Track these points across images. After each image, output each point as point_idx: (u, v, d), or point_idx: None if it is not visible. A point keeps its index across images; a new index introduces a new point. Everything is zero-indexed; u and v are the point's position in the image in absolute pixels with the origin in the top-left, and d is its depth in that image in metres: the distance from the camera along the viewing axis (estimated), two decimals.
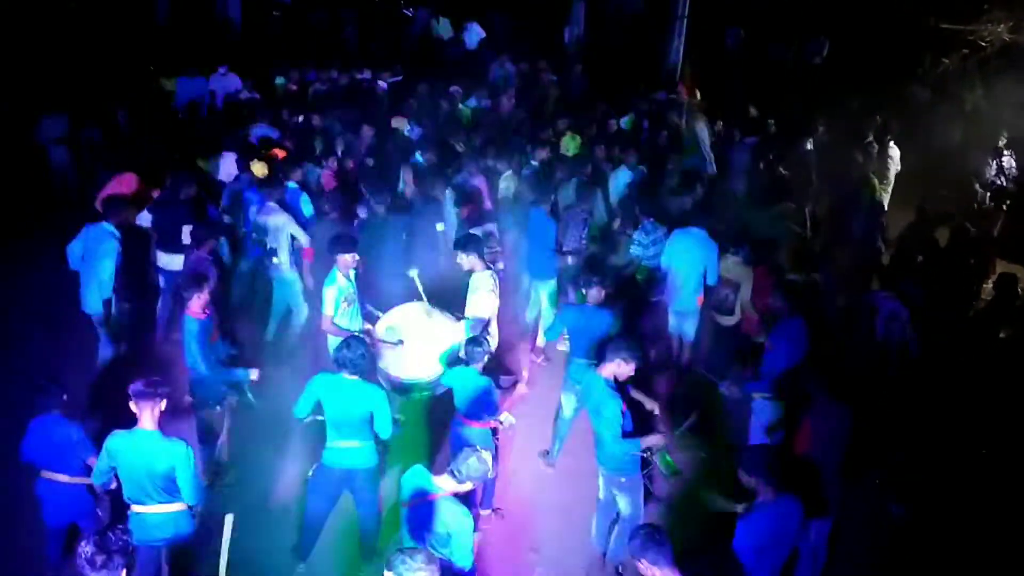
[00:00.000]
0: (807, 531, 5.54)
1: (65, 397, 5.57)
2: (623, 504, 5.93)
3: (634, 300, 8.88)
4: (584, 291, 7.17)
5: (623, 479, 5.87)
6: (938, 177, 12.61)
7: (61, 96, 12.62)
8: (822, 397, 5.65)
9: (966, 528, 6.53)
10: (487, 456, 4.91)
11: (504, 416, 6.29)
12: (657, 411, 6.37)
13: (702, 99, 14.25)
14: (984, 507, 6.68)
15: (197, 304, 6.41)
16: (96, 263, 7.72)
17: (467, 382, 6.21)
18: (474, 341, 6.34)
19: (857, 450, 5.77)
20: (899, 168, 12.25)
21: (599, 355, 6.11)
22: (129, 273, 8.06)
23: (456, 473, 4.84)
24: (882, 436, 6.77)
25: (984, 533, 6.47)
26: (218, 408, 6.77)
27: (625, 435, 5.68)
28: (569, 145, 11.73)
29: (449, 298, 7.67)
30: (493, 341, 7.19)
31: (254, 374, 6.70)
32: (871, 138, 12.35)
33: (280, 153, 10.10)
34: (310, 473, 5.97)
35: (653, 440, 5.83)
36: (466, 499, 5.07)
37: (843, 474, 5.76)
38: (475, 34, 18.62)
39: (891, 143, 12.21)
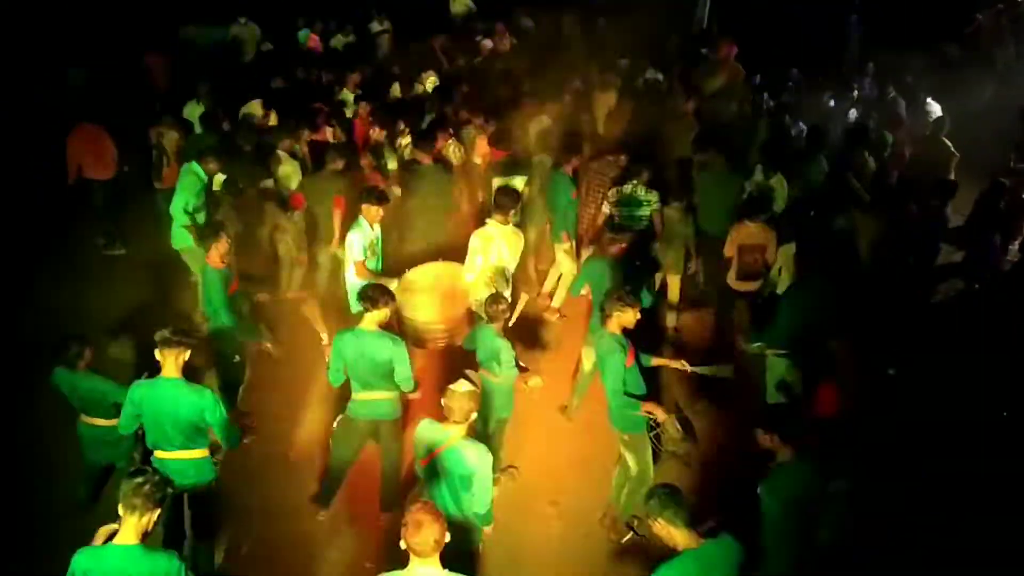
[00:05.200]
0: (826, 489, 5.52)
1: (88, 352, 5.66)
2: (630, 461, 5.93)
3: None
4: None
5: (627, 436, 5.86)
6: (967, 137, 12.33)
7: (83, 46, 12.55)
8: (849, 357, 5.58)
9: (990, 486, 6.50)
10: (465, 384, 4.82)
11: (532, 380, 6.23)
12: (688, 368, 6.16)
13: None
14: (1007, 467, 6.65)
15: (216, 254, 6.44)
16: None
17: (487, 341, 6.18)
18: (494, 299, 6.24)
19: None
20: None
21: (601, 311, 5.95)
22: None
23: (452, 413, 4.77)
24: (905, 393, 6.72)
25: (1009, 492, 6.46)
26: (237, 358, 6.83)
27: (627, 395, 5.63)
28: None
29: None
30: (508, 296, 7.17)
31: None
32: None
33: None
34: (335, 424, 6.03)
35: (651, 407, 5.67)
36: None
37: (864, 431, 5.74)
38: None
39: (927, 100, 11.91)
